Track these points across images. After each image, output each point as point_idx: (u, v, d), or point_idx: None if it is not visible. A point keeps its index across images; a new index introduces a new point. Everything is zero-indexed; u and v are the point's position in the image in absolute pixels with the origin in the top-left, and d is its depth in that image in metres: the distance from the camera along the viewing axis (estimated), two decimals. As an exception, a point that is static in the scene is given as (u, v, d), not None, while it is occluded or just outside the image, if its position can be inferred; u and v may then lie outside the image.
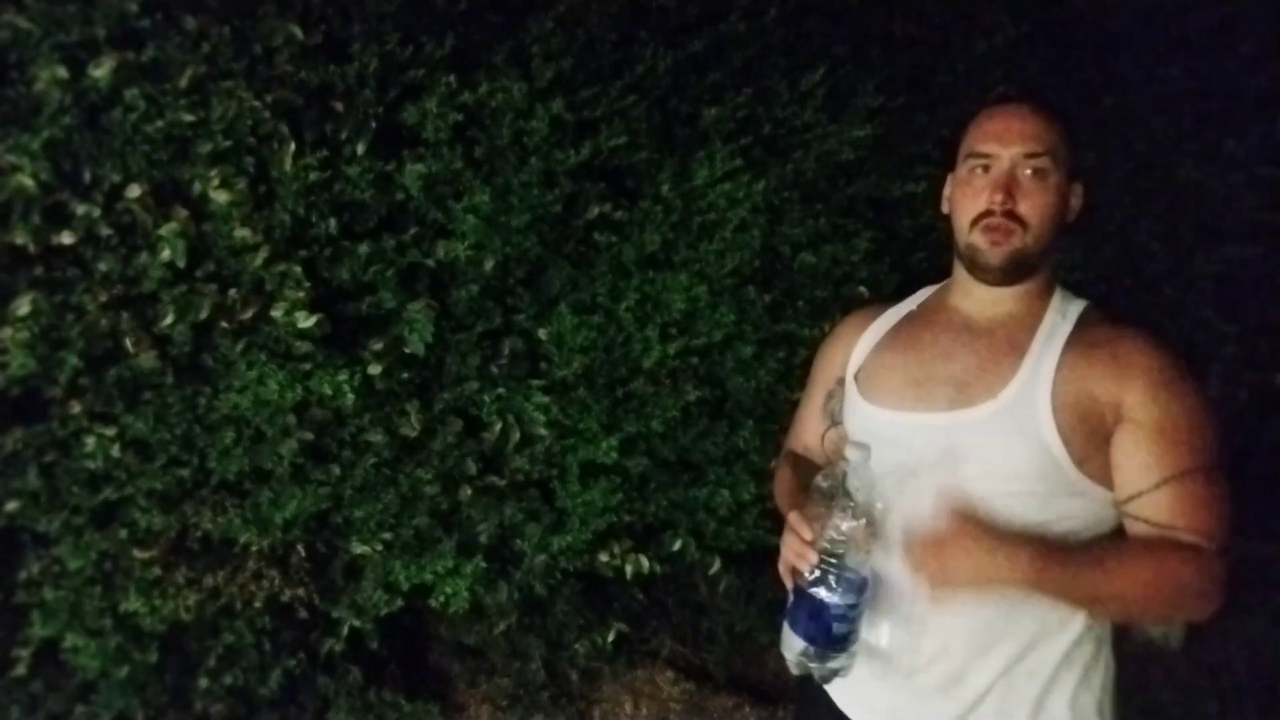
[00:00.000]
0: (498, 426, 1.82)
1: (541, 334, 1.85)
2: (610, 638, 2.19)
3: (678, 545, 2.03)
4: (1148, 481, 1.03)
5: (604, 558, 1.96)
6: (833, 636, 1.05)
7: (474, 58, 1.71)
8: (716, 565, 2.11)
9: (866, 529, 1.04)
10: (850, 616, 1.05)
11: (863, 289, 2.03)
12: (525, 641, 2.21)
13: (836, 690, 1.23)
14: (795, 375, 2.01)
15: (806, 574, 1.06)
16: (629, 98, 1.79)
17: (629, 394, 1.93)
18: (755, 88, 1.89)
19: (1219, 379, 2.96)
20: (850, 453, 1.05)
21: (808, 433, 1.40)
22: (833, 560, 1.04)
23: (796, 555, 1.07)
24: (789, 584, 1.11)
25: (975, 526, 1.02)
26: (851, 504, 1.04)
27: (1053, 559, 1.00)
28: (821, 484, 1.07)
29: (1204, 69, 2.50)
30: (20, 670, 1.69)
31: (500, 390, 1.81)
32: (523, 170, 1.72)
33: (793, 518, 1.09)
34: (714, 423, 2.01)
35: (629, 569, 1.97)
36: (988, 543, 1.00)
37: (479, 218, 1.70)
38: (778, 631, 1.13)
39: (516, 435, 1.84)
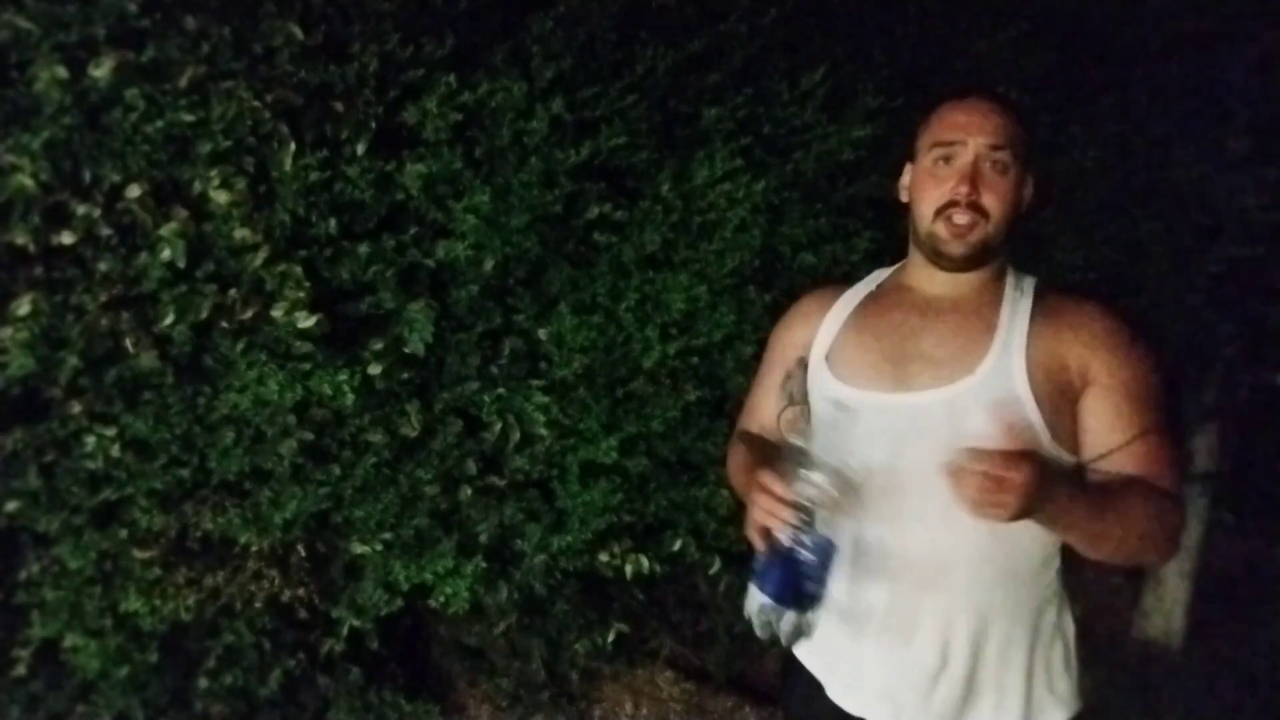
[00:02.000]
0: (498, 426, 1.82)
1: (541, 334, 1.85)
2: (610, 638, 2.19)
3: (678, 545, 2.04)
4: (1117, 439, 1.09)
5: (604, 558, 1.96)
6: (802, 595, 1.09)
7: (474, 58, 1.71)
8: (716, 565, 2.11)
9: (841, 486, 1.06)
10: (819, 576, 1.09)
11: (863, 289, 2.02)
12: (525, 641, 2.21)
13: (825, 674, 1.25)
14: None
15: (779, 532, 1.08)
16: (629, 98, 1.79)
17: (629, 394, 1.93)
18: (755, 88, 1.89)
19: (1219, 379, 2.96)
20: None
21: (764, 413, 1.40)
22: (805, 519, 1.07)
23: (768, 513, 1.08)
24: (759, 545, 1.12)
25: (1041, 467, 1.00)
26: (824, 463, 1.06)
27: (1076, 498, 1.04)
28: (797, 441, 1.10)
29: (1204, 69, 2.50)
30: (20, 670, 1.69)
31: (500, 390, 1.81)
32: (523, 170, 1.72)
33: (764, 475, 1.09)
34: (714, 423, 2.01)
35: (629, 569, 1.97)
36: (1043, 482, 0.99)
37: (479, 218, 1.70)
38: (777, 631, 1.15)
39: (516, 435, 1.84)
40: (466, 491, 1.84)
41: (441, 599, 1.87)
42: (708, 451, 2.02)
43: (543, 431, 1.84)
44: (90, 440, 1.58)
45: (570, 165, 1.74)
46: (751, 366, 1.98)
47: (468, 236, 1.71)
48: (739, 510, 2.06)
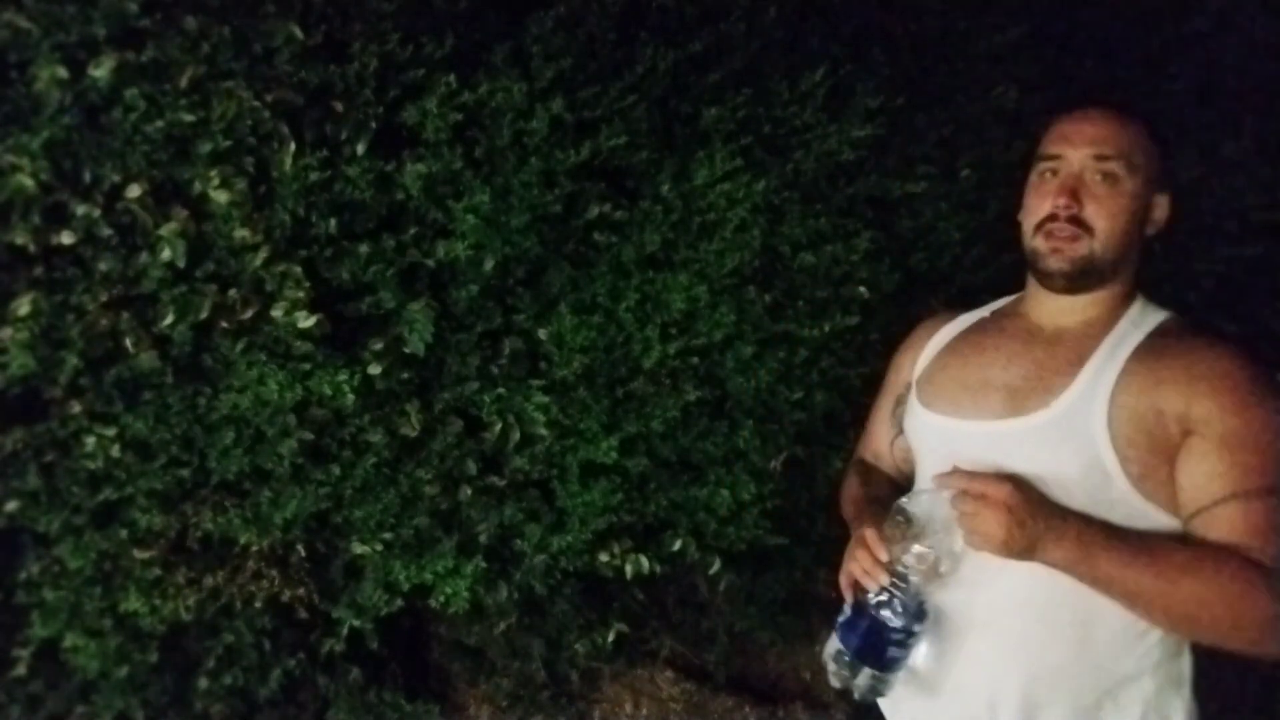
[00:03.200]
0: (498, 426, 1.82)
1: (541, 334, 1.85)
2: (610, 638, 2.19)
3: (678, 545, 2.03)
4: (1210, 496, 0.96)
5: (604, 558, 1.96)
6: (885, 659, 1.05)
7: (474, 58, 1.71)
8: (716, 565, 2.11)
9: (944, 561, 1.02)
10: (907, 643, 1.05)
11: (863, 289, 2.02)
12: (525, 641, 2.21)
13: (890, 712, 1.21)
14: (795, 375, 2.01)
15: (872, 594, 1.04)
16: (629, 98, 1.78)
17: (629, 394, 1.93)
18: (755, 88, 1.89)
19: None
20: (938, 483, 1.04)
21: (877, 440, 1.38)
22: (902, 585, 1.03)
23: (865, 573, 1.05)
24: (849, 597, 1.09)
25: (1026, 490, 0.98)
26: (934, 534, 1.02)
27: (1100, 542, 0.95)
28: (906, 507, 1.05)
29: (1204, 69, 2.50)
30: (20, 670, 1.69)
31: (500, 390, 1.81)
32: (523, 170, 1.72)
33: (869, 535, 1.06)
34: (714, 423, 2.01)
35: (629, 569, 1.97)
36: (1035, 508, 0.96)
37: (479, 218, 1.70)
38: (778, 631, 1.14)
39: (516, 435, 1.84)
40: (466, 491, 1.84)
41: (441, 599, 1.87)
42: (708, 451, 2.02)
43: (543, 431, 1.84)
44: (90, 440, 1.58)
45: (570, 165, 1.74)
46: (752, 366, 1.99)
47: (468, 236, 1.71)
48: (739, 510, 2.07)
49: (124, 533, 1.67)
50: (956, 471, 1.03)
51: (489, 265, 1.75)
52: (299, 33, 1.55)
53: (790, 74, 1.93)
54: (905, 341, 1.36)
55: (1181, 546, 0.96)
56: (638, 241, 1.84)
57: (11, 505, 1.60)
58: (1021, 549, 0.95)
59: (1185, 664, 1.08)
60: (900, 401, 1.31)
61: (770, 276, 1.98)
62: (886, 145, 2.02)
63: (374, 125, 1.63)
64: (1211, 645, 0.99)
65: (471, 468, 1.84)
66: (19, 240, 1.47)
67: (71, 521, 1.64)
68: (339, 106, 1.62)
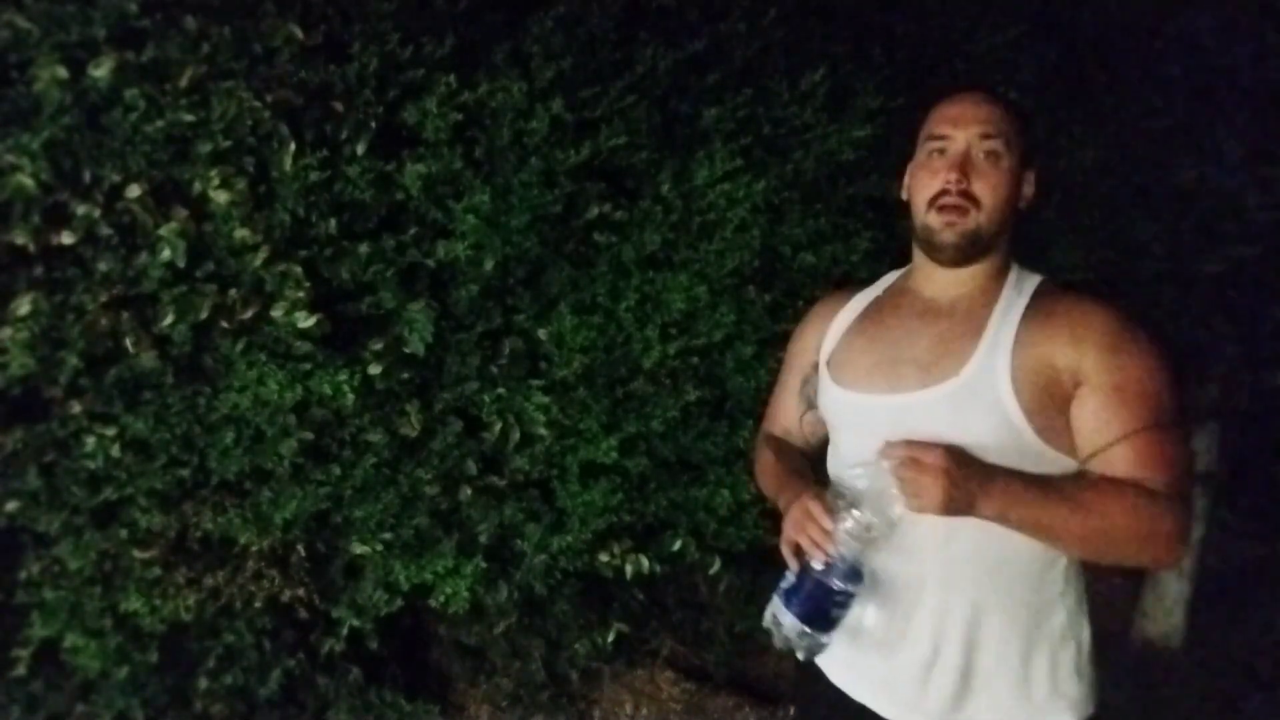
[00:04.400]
0: (498, 426, 1.82)
1: (541, 334, 1.85)
2: (610, 638, 2.19)
3: (678, 545, 2.04)
4: (1105, 438, 1.07)
5: (604, 558, 1.96)
6: (827, 618, 1.12)
7: (474, 58, 1.71)
8: (716, 565, 2.11)
9: (883, 528, 1.10)
10: (846, 603, 1.12)
11: (863, 289, 2.03)
12: (525, 641, 2.21)
13: (834, 669, 1.27)
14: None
15: (817, 561, 1.11)
16: (629, 98, 1.79)
17: (629, 394, 1.93)
18: (755, 88, 1.89)
19: (1219, 379, 2.95)
20: (881, 455, 1.10)
21: (785, 416, 1.44)
22: (843, 551, 1.10)
23: (811, 542, 1.12)
24: (792, 563, 1.16)
25: (959, 454, 1.07)
26: (873, 503, 1.09)
27: (1021, 491, 1.06)
28: (849, 480, 1.14)
29: (1204, 69, 2.50)
30: (20, 670, 1.69)
31: (500, 390, 1.81)
32: (523, 170, 1.72)
33: (814, 507, 1.13)
34: (714, 423, 2.01)
35: (629, 569, 1.97)
36: (968, 469, 1.05)
37: (479, 218, 1.70)
38: (778, 631, 1.16)
39: (516, 435, 1.84)
40: (466, 491, 1.84)
41: (441, 599, 1.87)
42: (708, 451, 2.02)
43: (543, 431, 1.84)
44: (90, 440, 1.58)
45: (570, 165, 1.74)
46: (752, 366, 1.99)
47: (468, 236, 1.71)
48: (739, 510, 2.07)
49: (124, 533, 1.67)
50: (898, 443, 1.11)
51: (489, 265, 1.75)
52: (299, 33, 1.55)
53: (790, 74, 1.93)
54: (803, 321, 1.44)
55: (1089, 482, 1.08)
56: (638, 241, 1.84)
57: (11, 505, 1.60)
58: (959, 507, 1.05)
59: (1083, 588, 1.21)
60: (808, 380, 1.38)
61: (770, 276, 1.99)
62: (886, 145, 2.02)
63: (374, 125, 1.64)
64: (1120, 563, 1.13)
65: (471, 468, 1.84)
66: (19, 240, 1.47)
67: (71, 521, 1.64)
68: (339, 106, 1.62)
